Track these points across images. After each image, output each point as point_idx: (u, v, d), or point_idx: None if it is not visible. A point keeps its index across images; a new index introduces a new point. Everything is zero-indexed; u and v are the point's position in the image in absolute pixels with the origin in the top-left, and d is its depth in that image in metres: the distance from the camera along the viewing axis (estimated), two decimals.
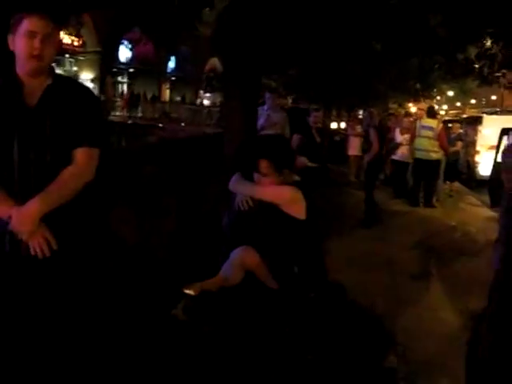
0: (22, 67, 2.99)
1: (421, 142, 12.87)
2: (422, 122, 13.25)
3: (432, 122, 13.05)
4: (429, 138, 12.75)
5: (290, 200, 3.95)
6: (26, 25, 2.91)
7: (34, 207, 2.89)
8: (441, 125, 13.27)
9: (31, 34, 2.90)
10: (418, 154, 12.87)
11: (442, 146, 12.82)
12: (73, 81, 3.48)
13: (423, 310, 5.87)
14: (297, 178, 4.28)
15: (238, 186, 4.16)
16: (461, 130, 17.58)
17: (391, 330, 5.21)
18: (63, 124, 3.03)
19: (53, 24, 2.98)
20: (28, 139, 2.97)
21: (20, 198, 2.92)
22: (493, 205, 6.54)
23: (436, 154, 12.77)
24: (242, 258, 4.01)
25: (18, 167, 2.97)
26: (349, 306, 4.54)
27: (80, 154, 3.06)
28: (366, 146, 10.45)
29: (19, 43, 2.94)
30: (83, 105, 3.12)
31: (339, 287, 4.45)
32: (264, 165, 3.95)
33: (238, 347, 3.78)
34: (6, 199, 2.93)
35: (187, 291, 3.99)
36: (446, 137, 13.12)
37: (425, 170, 12.75)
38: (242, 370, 3.68)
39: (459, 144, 15.84)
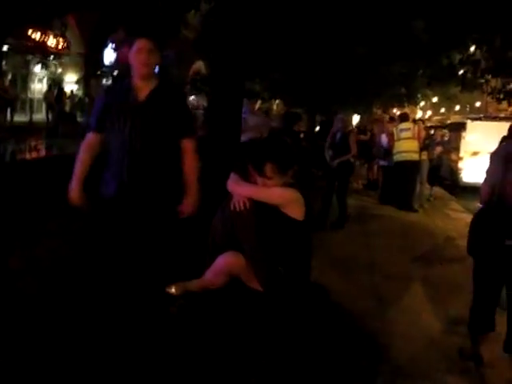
0: (135, 73, 4.17)
1: (401, 145, 13.17)
2: (399, 126, 13.56)
3: (408, 124, 13.42)
4: (408, 138, 13.06)
5: (292, 201, 3.95)
6: (137, 45, 4.11)
7: (195, 198, 4.28)
8: (417, 125, 13.51)
9: (140, 51, 4.09)
10: (399, 157, 13.08)
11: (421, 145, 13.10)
12: (173, 84, 4.63)
13: (404, 314, 5.86)
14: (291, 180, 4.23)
15: (238, 186, 4.11)
16: (446, 138, 17.72)
17: (371, 332, 5.21)
18: (164, 115, 4.15)
19: (153, 43, 4.14)
20: (137, 126, 4.10)
21: (126, 170, 4.12)
22: None
23: (416, 155, 12.96)
24: (228, 265, 3.98)
25: (128, 146, 4.10)
26: (331, 308, 4.53)
27: (189, 143, 4.30)
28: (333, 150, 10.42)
29: (133, 57, 4.13)
30: (180, 102, 4.40)
31: (321, 289, 4.44)
32: (270, 168, 3.94)
33: (225, 350, 3.76)
34: None
35: (169, 290, 3.96)
36: (423, 136, 13.27)
37: (406, 171, 12.96)
38: (229, 372, 3.67)
39: (438, 149, 15.94)
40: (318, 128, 21.50)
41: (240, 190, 4.08)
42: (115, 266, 4.22)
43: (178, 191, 4.25)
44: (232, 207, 4.01)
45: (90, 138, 4.39)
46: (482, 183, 4.79)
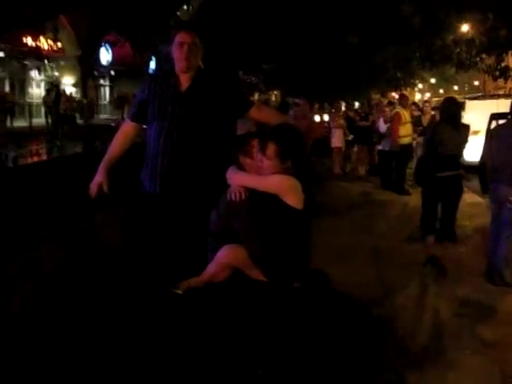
0: (176, 66, 4.15)
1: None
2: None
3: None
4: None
5: (290, 189, 3.88)
6: (177, 38, 4.10)
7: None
8: (396, 111, 13.44)
9: (180, 44, 4.07)
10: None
11: (391, 132, 13.22)
12: (213, 76, 4.40)
13: (411, 299, 5.86)
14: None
15: (236, 175, 4.08)
16: None
17: (378, 318, 5.21)
18: (212, 102, 4.15)
19: (195, 36, 4.10)
20: (179, 115, 4.11)
21: (166, 164, 4.13)
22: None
23: (406, 139, 13.14)
24: (228, 258, 3.96)
25: (167, 133, 4.11)
26: (334, 295, 4.52)
27: (255, 107, 4.41)
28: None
29: (174, 50, 4.12)
30: (227, 83, 4.40)
31: (322, 275, 4.42)
32: (271, 149, 3.92)
33: (231, 342, 3.76)
34: None
35: (176, 291, 3.96)
36: (397, 123, 13.10)
37: (396, 155, 13.26)
38: (236, 364, 3.67)
39: None
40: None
41: (237, 178, 4.04)
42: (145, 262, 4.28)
43: (218, 185, 4.16)
44: (228, 197, 3.99)
45: (126, 125, 4.49)
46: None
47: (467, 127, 7.65)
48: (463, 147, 7.38)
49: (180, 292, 3.94)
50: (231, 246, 3.97)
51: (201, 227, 4.16)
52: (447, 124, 7.20)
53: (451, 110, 7.35)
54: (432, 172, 7.03)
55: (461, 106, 17.82)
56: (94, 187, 4.29)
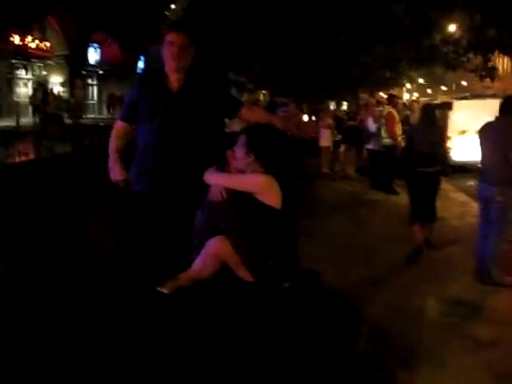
0: (166, 66, 4.13)
1: (381, 130, 13.47)
2: (383, 109, 13.86)
3: (387, 109, 13.47)
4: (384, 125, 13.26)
5: (265, 188, 3.89)
6: (167, 37, 4.08)
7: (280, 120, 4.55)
8: (388, 110, 13.36)
9: (170, 44, 4.05)
10: (383, 142, 13.27)
11: (388, 133, 13.06)
12: (204, 76, 4.38)
13: (402, 298, 5.87)
14: (273, 170, 4.21)
15: (212, 176, 4.10)
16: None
17: (369, 318, 5.23)
18: (202, 102, 4.15)
19: (186, 36, 4.08)
20: (169, 115, 4.10)
21: (156, 163, 4.14)
22: None
23: (390, 140, 13.02)
24: (215, 247, 3.94)
25: (158, 133, 4.11)
26: (324, 294, 4.53)
27: (246, 108, 4.42)
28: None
29: (164, 50, 4.10)
30: (216, 85, 4.38)
31: (313, 274, 4.42)
32: (242, 139, 3.98)
33: (219, 343, 3.76)
34: None
35: (162, 290, 3.93)
36: (392, 123, 13.07)
37: (382, 155, 13.21)
38: (224, 366, 3.67)
39: None
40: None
41: (214, 179, 4.07)
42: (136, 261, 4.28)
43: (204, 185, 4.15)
44: (210, 198, 4.03)
45: (118, 125, 4.47)
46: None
47: (441, 129, 9.11)
48: (439, 146, 8.16)
49: (166, 291, 3.91)
50: (218, 238, 3.96)
51: (186, 227, 4.18)
52: (424, 125, 8.01)
53: (427, 113, 8.14)
54: (412, 167, 7.79)
55: (448, 108, 18.18)
56: (117, 173, 4.31)
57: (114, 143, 4.42)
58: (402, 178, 9.08)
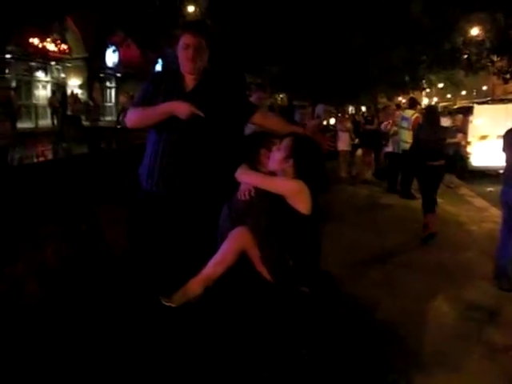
0: (182, 67, 4.09)
1: (400, 133, 13.31)
2: (403, 113, 13.65)
3: (409, 113, 13.35)
4: (404, 128, 13.06)
5: (298, 193, 3.86)
6: (182, 39, 4.03)
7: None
8: (416, 115, 13.17)
9: (186, 46, 4.00)
10: (402, 146, 13.07)
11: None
12: (219, 78, 4.34)
13: (418, 302, 5.85)
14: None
15: (245, 175, 4.07)
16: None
17: (385, 321, 5.18)
18: (210, 105, 4.01)
19: (201, 38, 4.02)
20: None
21: (166, 163, 4.07)
22: None
23: (408, 145, 12.77)
24: (240, 235, 3.88)
25: (169, 132, 4.05)
26: (342, 299, 4.50)
27: (259, 113, 4.29)
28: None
29: (179, 52, 4.05)
30: (233, 87, 4.35)
31: (329, 277, 4.38)
32: (287, 141, 3.96)
33: (236, 343, 3.73)
34: None
35: (167, 303, 3.81)
36: None
37: (401, 160, 12.99)
38: (237, 365, 3.65)
39: (459, 136, 15.76)
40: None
41: (247, 178, 4.04)
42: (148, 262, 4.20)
43: (221, 188, 4.16)
44: (239, 196, 3.98)
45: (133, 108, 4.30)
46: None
47: (445, 128, 10.61)
48: (442, 143, 8.98)
49: (173, 305, 3.80)
50: (245, 227, 3.89)
51: (205, 228, 4.12)
52: (428, 126, 9.10)
53: (431, 115, 9.34)
54: (421, 161, 8.74)
55: (468, 112, 18.04)
56: (186, 108, 4.00)
57: (145, 109, 4.15)
58: (412, 174, 10.30)
